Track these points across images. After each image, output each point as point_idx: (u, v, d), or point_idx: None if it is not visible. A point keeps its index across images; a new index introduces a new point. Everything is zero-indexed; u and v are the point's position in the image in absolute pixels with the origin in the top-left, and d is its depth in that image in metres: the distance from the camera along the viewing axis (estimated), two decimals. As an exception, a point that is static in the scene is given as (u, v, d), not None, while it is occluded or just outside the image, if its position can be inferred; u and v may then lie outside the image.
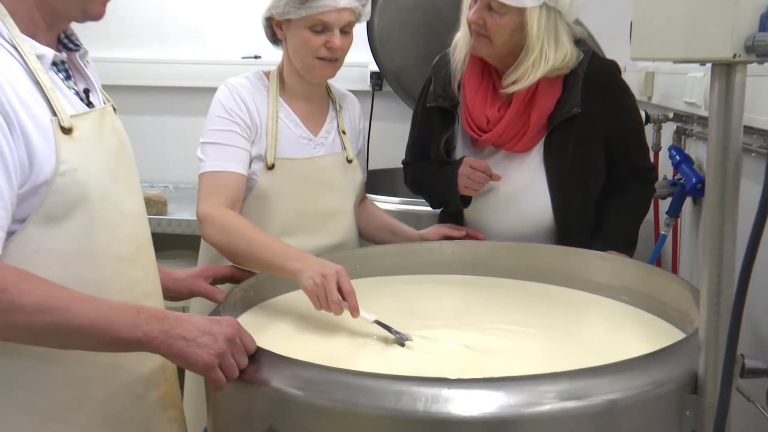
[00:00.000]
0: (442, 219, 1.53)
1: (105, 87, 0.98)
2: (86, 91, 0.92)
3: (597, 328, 1.12)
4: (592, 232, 1.40)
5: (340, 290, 1.03)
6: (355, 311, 1.02)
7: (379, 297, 1.15)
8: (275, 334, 1.05)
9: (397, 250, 1.35)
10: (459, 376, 0.76)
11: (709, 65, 0.78)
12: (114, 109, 0.95)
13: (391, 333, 1.00)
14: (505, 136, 1.36)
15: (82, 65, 0.93)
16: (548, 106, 1.34)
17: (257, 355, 0.84)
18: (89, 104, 0.91)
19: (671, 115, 1.93)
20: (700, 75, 1.66)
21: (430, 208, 1.61)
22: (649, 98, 2.05)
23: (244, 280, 1.11)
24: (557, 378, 0.76)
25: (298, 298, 1.15)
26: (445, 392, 0.76)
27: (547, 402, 0.75)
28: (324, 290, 1.02)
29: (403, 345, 0.99)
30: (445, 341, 1.00)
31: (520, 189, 1.38)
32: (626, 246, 1.36)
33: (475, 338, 1.03)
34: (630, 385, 0.77)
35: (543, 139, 1.36)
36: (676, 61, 0.72)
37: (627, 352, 0.83)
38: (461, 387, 0.75)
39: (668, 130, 1.97)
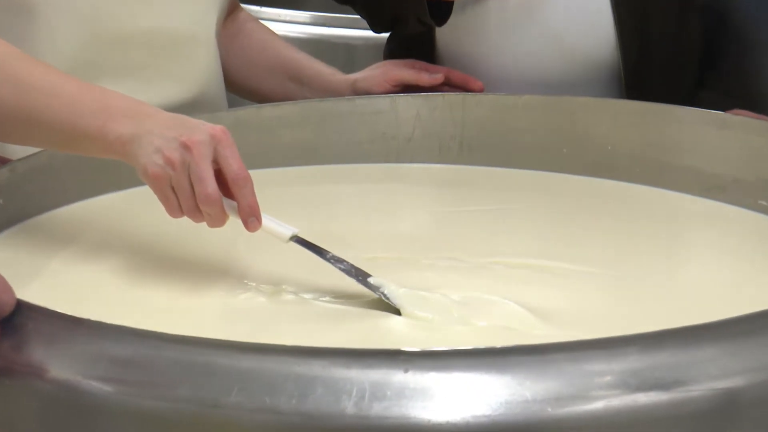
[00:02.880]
0: (393, 51, 1.42)
1: None
2: None
3: (714, 265, 1.03)
4: (697, 76, 1.30)
5: (218, 174, 0.88)
6: (248, 216, 0.89)
7: (279, 209, 1.01)
8: (78, 279, 0.97)
9: (307, 113, 1.24)
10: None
11: None
12: None
13: (341, 269, 0.90)
14: None
15: None
16: None
17: (19, 319, 0.76)
18: None
19: None
20: None
21: (369, 32, 1.51)
22: None
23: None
24: (616, 347, 0.66)
25: (131, 200, 1.08)
26: (399, 378, 0.64)
27: (600, 393, 0.64)
28: (185, 177, 0.88)
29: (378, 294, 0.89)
30: (445, 297, 0.91)
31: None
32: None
33: (489, 287, 0.94)
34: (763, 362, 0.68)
35: None
36: None
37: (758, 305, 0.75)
38: (427, 367, 0.65)
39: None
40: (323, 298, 0.91)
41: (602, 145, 1.20)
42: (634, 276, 0.98)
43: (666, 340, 0.66)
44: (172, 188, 0.90)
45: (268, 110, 1.25)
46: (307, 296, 0.91)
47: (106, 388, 0.68)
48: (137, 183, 1.08)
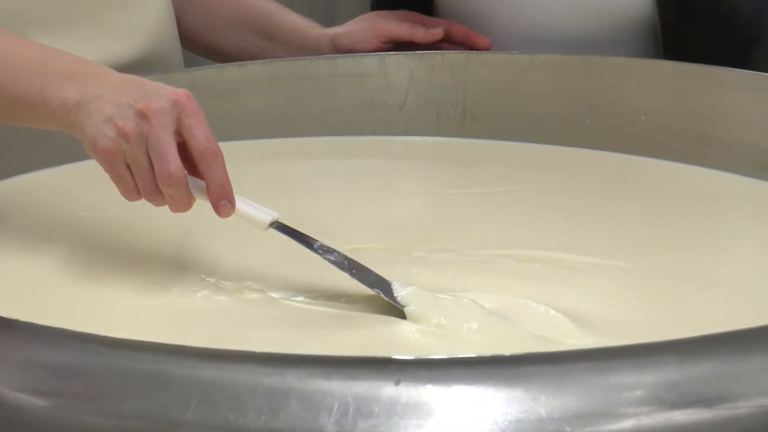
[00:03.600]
0: (382, 0, 1.41)
1: None
2: None
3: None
4: (749, 32, 1.29)
5: (182, 148, 0.88)
6: (219, 198, 0.89)
7: (243, 191, 1.00)
8: (4, 273, 0.97)
9: (277, 75, 1.25)
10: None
11: None
12: None
13: (333, 263, 0.90)
14: None
15: None
16: None
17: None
18: None
19: None
20: None
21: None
22: None
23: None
24: (649, 355, 0.65)
25: (68, 177, 1.09)
26: (389, 392, 0.63)
27: (629, 410, 0.63)
28: (143, 151, 0.87)
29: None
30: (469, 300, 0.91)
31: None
32: None
33: (495, 286, 0.94)
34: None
35: None
36: None
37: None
38: (423, 378, 0.63)
39: None
40: (296, 298, 0.91)
41: (634, 115, 1.20)
42: (672, 272, 0.98)
43: (708, 347, 0.66)
44: (127, 166, 0.89)
45: (231, 71, 1.25)
46: (275, 295, 0.91)
47: (38, 401, 0.67)
48: (77, 157, 1.08)
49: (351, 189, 1.18)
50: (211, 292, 0.92)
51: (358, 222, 1.08)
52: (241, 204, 0.91)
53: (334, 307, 0.90)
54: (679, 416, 0.64)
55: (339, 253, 0.89)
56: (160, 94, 0.90)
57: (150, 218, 0.97)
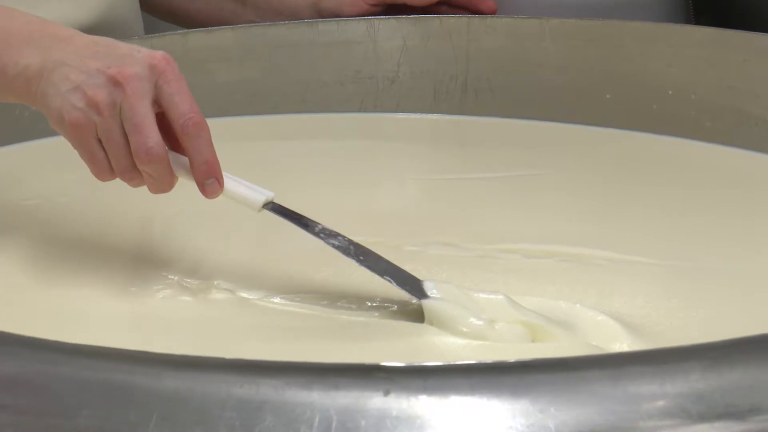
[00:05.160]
0: None
1: None
2: None
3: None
4: None
5: (162, 120, 0.89)
6: (205, 176, 0.90)
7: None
8: None
9: (251, 43, 1.27)
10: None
11: None
12: None
13: (342, 250, 0.90)
14: None
15: None
16: None
17: None
18: None
19: None
20: None
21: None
22: None
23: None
24: (672, 362, 0.66)
25: (11, 157, 1.11)
26: (377, 403, 0.64)
27: (650, 423, 0.64)
28: (116, 124, 0.88)
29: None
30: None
31: None
32: None
33: (501, 284, 0.93)
34: None
35: None
36: None
37: None
38: (416, 388, 0.64)
39: None
40: (272, 299, 0.91)
41: (660, 89, 1.21)
42: (708, 269, 0.98)
43: (739, 352, 0.66)
44: (99, 141, 0.89)
45: (197, 38, 1.26)
46: (247, 295, 0.92)
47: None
48: (21, 137, 1.09)
49: (335, 174, 1.18)
50: (174, 292, 0.93)
51: (343, 212, 1.08)
52: (230, 183, 0.90)
53: (316, 310, 0.90)
54: (707, 430, 0.64)
55: (344, 237, 0.90)
56: (135, 57, 0.89)
57: (103, 206, 0.98)
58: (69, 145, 0.96)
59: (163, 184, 0.90)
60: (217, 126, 1.24)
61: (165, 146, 0.88)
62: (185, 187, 0.94)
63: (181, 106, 0.89)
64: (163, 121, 0.89)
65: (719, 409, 0.64)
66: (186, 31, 1.30)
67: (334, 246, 0.89)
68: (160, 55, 0.91)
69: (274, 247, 0.99)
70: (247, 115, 1.26)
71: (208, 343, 0.87)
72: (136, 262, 0.99)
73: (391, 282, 0.87)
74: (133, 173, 0.89)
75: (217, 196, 0.90)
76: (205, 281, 0.93)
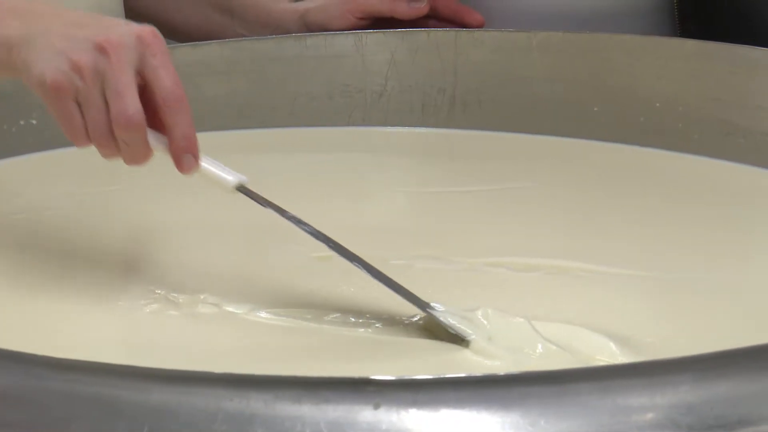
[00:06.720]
0: None
1: None
2: None
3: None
4: None
5: (143, 92, 0.88)
6: (182, 151, 0.89)
7: (199, 188, 1.01)
8: None
9: (238, 57, 1.28)
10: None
11: None
12: None
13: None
14: None
15: None
16: None
17: None
18: None
19: None
20: None
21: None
22: None
23: None
24: (662, 374, 0.66)
25: None
26: (367, 416, 0.64)
27: None
28: (98, 89, 0.87)
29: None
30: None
31: None
32: None
33: (490, 299, 0.90)
34: None
35: None
36: None
37: None
38: (406, 401, 0.63)
39: None
40: (258, 313, 0.90)
41: (647, 102, 1.21)
42: (696, 281, 0.97)
43: (729, 364, 0.66)
44: (78, 105, 0.88)
45: (184, 52, 1.25)
46: (234, 309, 0.91)
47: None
48: (8, 152, 1.08)
49: (322, 188, 1.17)
50: (162, 306, 0.92)
51: (331, 225, 1.04)
52: (206, 161, 0.90)
53: (303, 324, 0.90)
54: (701, 441, 0.65)
55: (311, 226, 0.89)
56: (123, 28, 0.88)
57: (90, 220, 0.97)
58: (56, 160, 0.96)
59: (138, 155, 0.89)
60: (205, 140, 1.25)
61: (144, 115, 0.88)
62: (172, 201, 0.94)
63: (165, 79, 0.89)
64: (144, 94, 0.89)
65: (709, 420, 0.64)
66: (174, 45, 1.29)
67: (305, 230, 0.90)
68: (148, 29, 0.90)
69: (261, 260, 0.98)
70: (235, 129, 1.26)
71: (195, 357, 0.87)
72: (123, 276, 0.99)
73: (359, 267, 0.87)
74: (109, 140, 0.88)
75: (193, 172, 0.90)
76: (192, 295, 0.92)
